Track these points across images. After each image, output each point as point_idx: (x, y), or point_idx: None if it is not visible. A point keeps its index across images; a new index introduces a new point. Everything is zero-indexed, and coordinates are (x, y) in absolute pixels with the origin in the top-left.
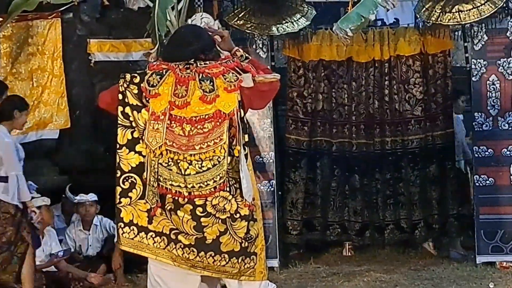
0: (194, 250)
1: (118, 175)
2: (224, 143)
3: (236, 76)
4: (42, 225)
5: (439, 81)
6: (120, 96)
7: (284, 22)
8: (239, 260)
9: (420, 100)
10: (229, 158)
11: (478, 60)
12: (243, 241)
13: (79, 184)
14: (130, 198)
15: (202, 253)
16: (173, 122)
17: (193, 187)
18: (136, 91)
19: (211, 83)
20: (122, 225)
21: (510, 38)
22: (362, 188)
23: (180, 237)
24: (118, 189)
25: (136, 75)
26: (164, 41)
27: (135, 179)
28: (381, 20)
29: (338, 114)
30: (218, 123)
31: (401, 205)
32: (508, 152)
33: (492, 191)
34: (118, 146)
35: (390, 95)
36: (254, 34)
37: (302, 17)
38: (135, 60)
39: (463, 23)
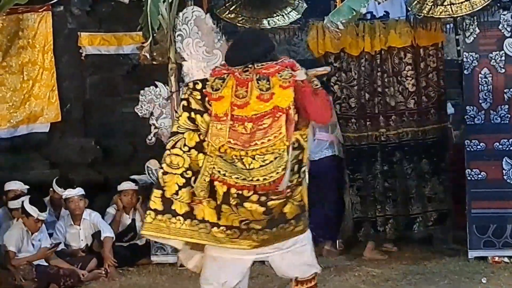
0: (267, 230)
1: (189, 175)
2: (283, 136)
3: (290, 73)
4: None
5: (430, 74)
6: (185, 103)
7: (275, 15)
8: (301, 219)
9: (413, 93)
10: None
11: (470, 53)
12: (300, 202)
13: (69, 178)
14: (189, 194)
15: (274, 229)
16: (235, 122)
17: (258, 179)
18: (199, 97)
19: (268, 82)
20: (197, 222)
21: (502, 31)
22: (355, 182)
23: (252, 224)
24: (189, 189)
25: (198, 81)
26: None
27: (192, 178)
28: (371, 13)
29: (338, 108)
30: (276, 118)
31: (396, 200)
32: (500, 146)
33: (484, 185)
34: (187, 149)
35: (382, 87)
36: (245, 27)
37: (293, 11)
38: (126, 53)
39: (455, 16)
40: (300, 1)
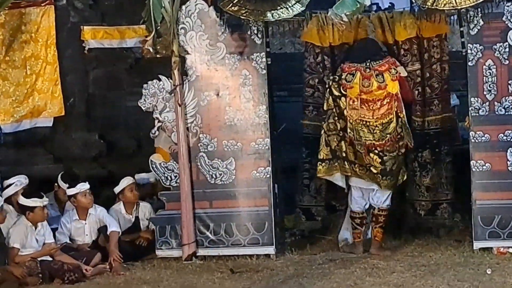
0: (379, 175)
1: (341, 135)
2: (394, 111)
3: (396, 70)
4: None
5: (434, 65)
6: (329, 90)
7: (279, 8)
8: (400, 174)
9: (418, 84)
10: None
11: (474, 44)
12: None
13: (73, 173)
14: (345, 145)
15: (385, 177)
16: (362, 102)
17: (379, 139)
18: (336, 86)
19: (382, 77)
20: (343, 160)
21: (506, 22)
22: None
23: (372, 168)
24: (344, 143)
25: (336, 76)
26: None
27: (344, 135)
28: (376, 4)
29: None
30: (389, 100)
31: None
32: (504, 137)
33: (489, 177)
34: (336, 119)
35: None
36: (249, 20)
37: (297, 3)
38: (129, 47)
39: (458, 7)
40: None
